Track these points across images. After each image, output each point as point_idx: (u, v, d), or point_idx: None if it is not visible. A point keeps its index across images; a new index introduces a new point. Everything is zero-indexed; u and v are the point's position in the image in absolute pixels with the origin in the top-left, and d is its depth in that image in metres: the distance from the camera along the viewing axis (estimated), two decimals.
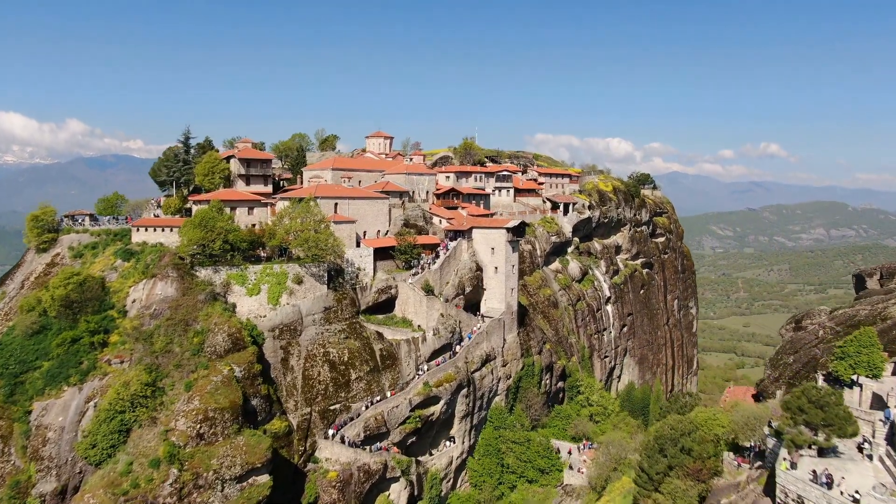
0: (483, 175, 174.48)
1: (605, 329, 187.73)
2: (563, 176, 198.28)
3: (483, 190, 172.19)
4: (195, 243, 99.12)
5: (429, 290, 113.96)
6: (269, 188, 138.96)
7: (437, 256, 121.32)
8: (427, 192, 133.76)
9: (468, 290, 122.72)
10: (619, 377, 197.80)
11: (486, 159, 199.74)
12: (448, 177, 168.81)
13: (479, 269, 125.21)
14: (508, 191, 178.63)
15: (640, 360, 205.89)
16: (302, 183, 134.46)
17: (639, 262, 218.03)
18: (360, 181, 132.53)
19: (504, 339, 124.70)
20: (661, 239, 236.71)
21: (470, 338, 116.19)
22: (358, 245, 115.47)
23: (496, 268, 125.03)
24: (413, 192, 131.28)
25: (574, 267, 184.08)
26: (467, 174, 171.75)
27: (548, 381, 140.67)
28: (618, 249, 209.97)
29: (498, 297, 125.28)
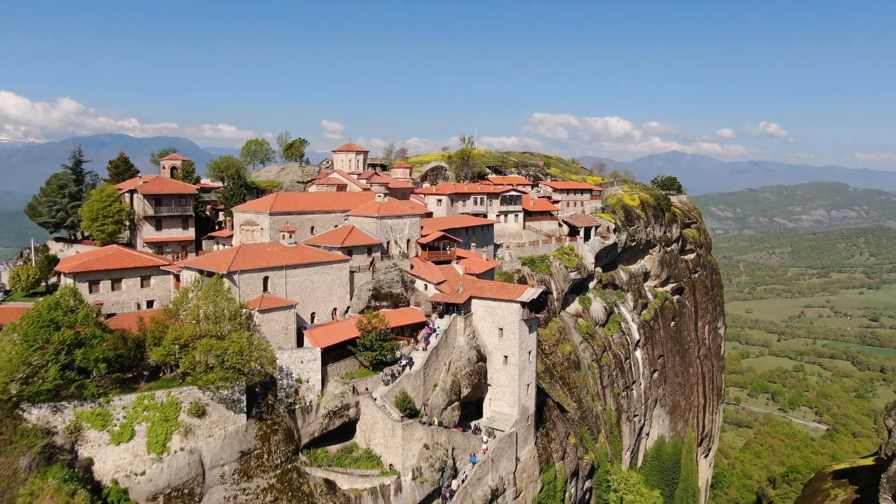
0: (485, 197, 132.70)
1: (633, 382, 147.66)
2: (582, 191, 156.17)
3: (484, 217, 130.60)
4: (15, 371, 57.93)
5: (406, 407, 73.22)
6: (191, 232, 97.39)
7: (420, 342, 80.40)
8: (409, 241, 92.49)
9: (466, 391, 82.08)
10: (648, 434, 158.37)
11: (487, 170, 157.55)
12: (440, 200, 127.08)
13: (482, 357, 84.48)
14: (517, 215, 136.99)
15: (671, 409, 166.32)
16: (233, 227, 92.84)
17: (668, 287, 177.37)
18: (312, 227, 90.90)
19: (517, 459, 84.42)
20: (692, 256, 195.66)
21: (466, 477, 75.70)
22: (300, 341, 74.48)
23: (506, 357, 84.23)
24: (389, 242, 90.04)
25: (598, 308, 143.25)
26: (465, 196, 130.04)
27: (573, 490, 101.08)
28: (646, 276, 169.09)
29: (508, 399, 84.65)
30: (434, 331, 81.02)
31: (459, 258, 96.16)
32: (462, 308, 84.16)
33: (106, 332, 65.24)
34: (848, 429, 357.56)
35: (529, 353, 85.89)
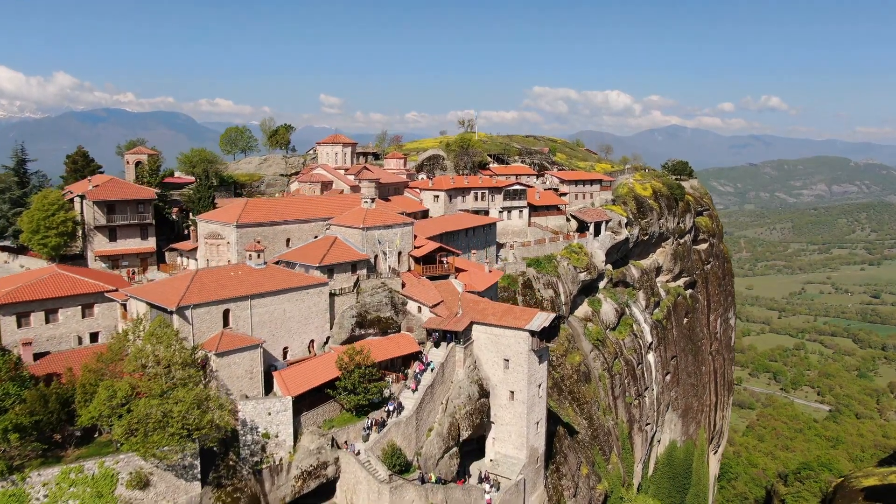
0: (486, 192, 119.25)
1: (646, 389, 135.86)
2: (591, 182, 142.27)
3: (486, 215, 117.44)
4: None
5: (395, 461, 60.90)
6: (151, 242, 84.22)
7: (411, 381, 67.86)
8: (400, 254, 79.39)
9: (466, 434, 69.78)
10: (660, 441, 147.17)
11: (488, 159, 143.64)
12: (437, 196, 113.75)
13: (484, 393, 72.04)
14: (521, 211, 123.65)
15: (683, 412, 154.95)
16: (197, 239, 79.49)
17: (681, 282, 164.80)
18: (288, 239, 77.67)
19: None
20: (704, 246, 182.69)
21: None
22: (268, 384, 61.85)
23: (512, 392, 71.81)
24: (377, 255, 76.98)
25: (608, 310, 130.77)
26: (464, 191, 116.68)
27: None
28: (658, 271, 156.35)
29: (515, 440, 72.39)
30: (428, 366, 68.38)
31: (458, 271, 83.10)
32: (461, 336, 71.54)
33: (26, 386, 52.72)
34: (851, 409, 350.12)
35: (539, 386, 73.43)
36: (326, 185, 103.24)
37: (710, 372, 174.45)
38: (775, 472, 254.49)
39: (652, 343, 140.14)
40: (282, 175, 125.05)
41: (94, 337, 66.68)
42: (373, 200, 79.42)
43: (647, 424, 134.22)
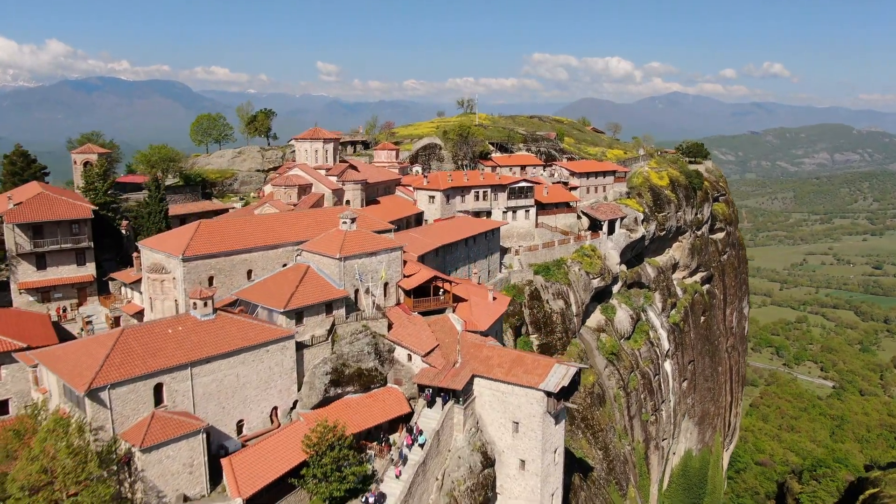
0: (489, 190, 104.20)
1: (663, 401, 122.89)
2: (604, 174, 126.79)
3: (488, 216, 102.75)
4: None
5: None
6: (90, 269, 69.58)
7: (396, 461, 54.06)
8: (387, 285, 64.83)
9: None
10: (675, 452, 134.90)
11: (490, 148, 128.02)
12: (433, 197, 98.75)
13: (488, 462, 58.36)
14: (528, 211, 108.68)
15: (700, 419, 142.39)
16: (141, 268, 64.69)
17: (698, 277, 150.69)
18: (250, 270, 63.06)
19: None
20: (721, 235, 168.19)
21: None
22: (214, 473, 47.98)
23: (523, 462, 58.13)
24: (358, 290, 62.52)
25: (623, 317, 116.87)
26: (464, 190, 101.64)
27: None
28: (674, 267, 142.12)
29: None
30: (417, 439, 54.41)
31: (457, 300, 68.70)
32: (462, 393, 57.56)
33: None
34: (854, 385, 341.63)
35: (556, 451, 59.69)
36: (304, 189, 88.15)
37: (726, 371, 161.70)
38: (782, 457, 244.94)
39: (669, 350, 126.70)
40: (258, 170, 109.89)
41: (1, 406, 52.67)
42: (353, 221, 64.41)
43: (663, 440, 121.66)
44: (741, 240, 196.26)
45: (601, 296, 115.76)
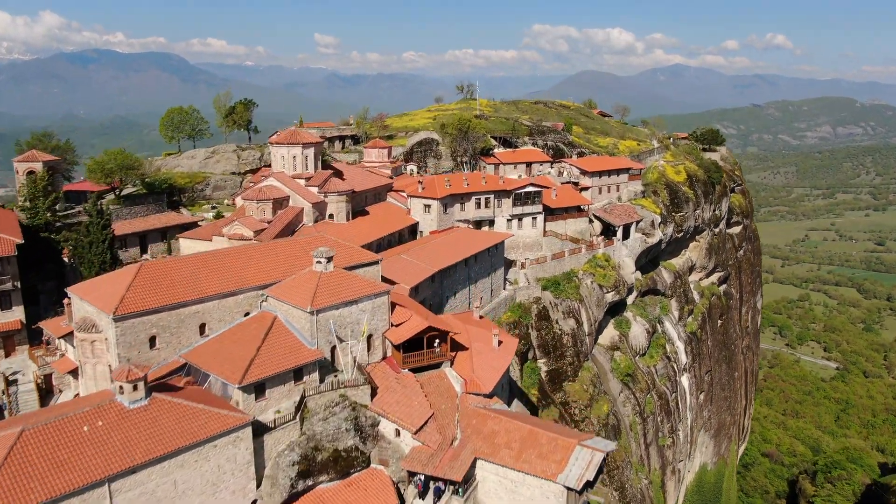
0: (492, 196, 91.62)
1: (680, 421, 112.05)
2: (618, 172, 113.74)
3: (491, 226, 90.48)
4: None
5: None
6: (16, 314, 57.39)
7: None
8: (371, 337, 52.88)
9: None
10: (689, 469, 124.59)
11: (492, 143, 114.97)
12: (429, 206, 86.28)
13: None
14: (535, 218, 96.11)
15: (716, 431, 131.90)
16: (71, 317, 52.33)
17: (715, 277, 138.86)
18: (203, 324, 51.03)
19: None
20: (738, 229, 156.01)
21: None
22: None
23: None
24: (336, 346, 50.61)
25: (638, 331, 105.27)
26: (463, 198, 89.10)
27: None
28: (691, 269, 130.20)
29: None
30: None
31: (455, 348, 56.85)
32: (463, 484, 46.04)
33: None
34: (858, 367, 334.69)
35: None
36: (280, 203, 75.67)
37: (742, 374, 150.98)
38: (789, 447, 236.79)
39: (686, 364, 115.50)
40: (233, 173, 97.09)
41: None
42: (329, 260, 52.18)
43: (679, 462, 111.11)
44: (756, 232, 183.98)
45: (615, 308, 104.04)
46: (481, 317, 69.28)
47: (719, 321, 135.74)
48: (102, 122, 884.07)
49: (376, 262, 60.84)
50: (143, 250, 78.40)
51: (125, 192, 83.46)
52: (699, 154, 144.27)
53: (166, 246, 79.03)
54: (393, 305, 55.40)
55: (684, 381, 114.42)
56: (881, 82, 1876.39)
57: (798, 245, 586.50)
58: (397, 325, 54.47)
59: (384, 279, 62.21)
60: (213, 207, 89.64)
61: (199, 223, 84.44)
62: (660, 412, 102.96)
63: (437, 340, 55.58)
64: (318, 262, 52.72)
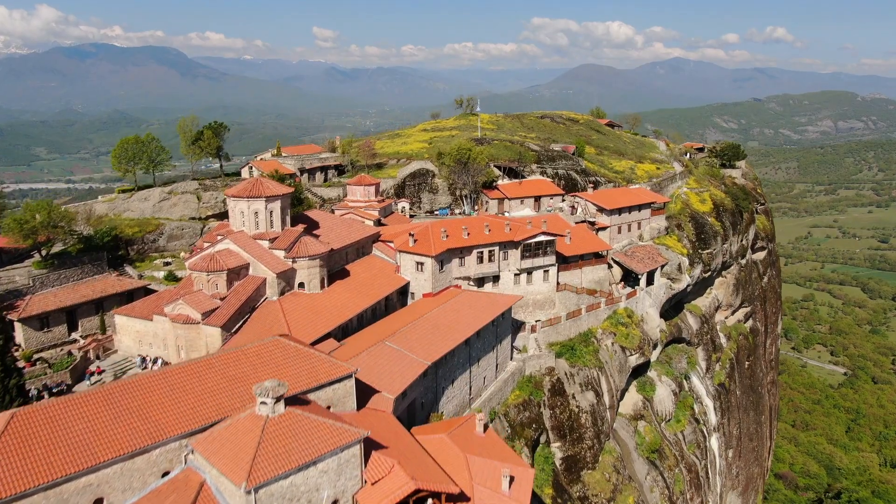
0: (496, 248, 76.23)
1: (710, 490, 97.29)
2: (639, 208, 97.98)
3: (495, 281, 75.31)
4: None
5: None
6: None
7: None
8: (354, 498, 37.93)
9: None
10: None
11: (496, 173, 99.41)
12: (421, 264, 71.04)
13: None
14: (547, 271, 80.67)
15: (744, 488, 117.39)
16: None
17: (741, 314, 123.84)
18: (98, 500, 36.15)
19: None
20: (762, 255, 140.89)
21: None
22: None
23: None
24: None
25: (664, 395, 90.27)
26: (463, 252, 73.76)
27: None
28: (717, 308, 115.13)
29: None
30: None
31: (453, 500, 41.95)
32: None
33: None
34: (866, 372, 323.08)
35: None
36: (237, 273, 60.28)
37: (768, 416, 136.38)
38: (802, 466, 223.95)
39: (715, 424, 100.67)
40: (193, 218, 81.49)
41: None
42: (278, 400, 37.12)
43: None
44: (777, 254, 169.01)
45: (637, 368, 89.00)
46: (486, 425, 54.10)
47: (747, 363, 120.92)
48: (100, 117, 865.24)
49: (349, 377, 45.61)
50: (72, 327, 63.16)
51: (54, 249, 68.07)
52: (719, 174, 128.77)
53: (100, 322, 63.73)
54: (367, 451, 40.21)
55: (713, 443, 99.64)
56: (882, 76, 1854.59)
57: (801, 242, 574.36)
58: (374, 484, 39.28)
59: (360, 383, 47.33)
60: (167, 264, 74.31)
61: (148, 286, 69.27)
62: (689, 487, 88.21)
63: (430, 500, 40.36)
64: (264, 404, 37.47)
